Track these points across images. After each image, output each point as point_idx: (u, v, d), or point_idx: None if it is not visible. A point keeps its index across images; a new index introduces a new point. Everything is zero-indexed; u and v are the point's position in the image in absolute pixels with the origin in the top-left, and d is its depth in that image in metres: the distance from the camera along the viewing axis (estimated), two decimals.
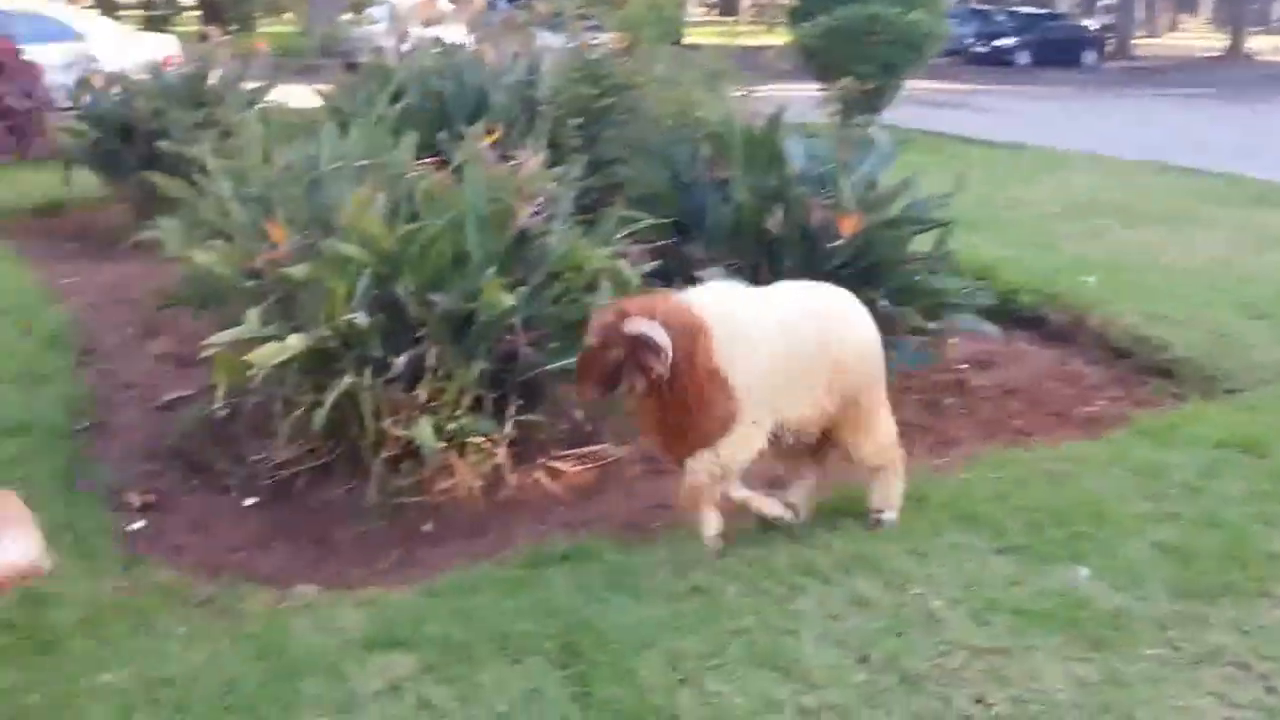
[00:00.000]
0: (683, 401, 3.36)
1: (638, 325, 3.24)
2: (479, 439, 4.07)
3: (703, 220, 4.93)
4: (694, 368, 3.31)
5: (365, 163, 4.25)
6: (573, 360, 3.49)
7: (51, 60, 11.64)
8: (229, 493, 4.20)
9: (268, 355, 3.57)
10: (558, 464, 4.31)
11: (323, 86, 6.85)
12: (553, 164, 4.64)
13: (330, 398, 3.76)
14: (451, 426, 3.94)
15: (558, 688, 2.91)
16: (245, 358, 3.59)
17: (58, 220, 8.87)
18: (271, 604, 3.41)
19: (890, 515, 3.71)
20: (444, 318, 3.84)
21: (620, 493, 4.25)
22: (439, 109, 6.07)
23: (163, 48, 10.60)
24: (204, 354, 3.96)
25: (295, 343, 3.62)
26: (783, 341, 3.45)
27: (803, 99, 8.38)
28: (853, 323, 3.60)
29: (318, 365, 3.94)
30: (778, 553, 3.53)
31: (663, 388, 3.32)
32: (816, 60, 13.12)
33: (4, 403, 4.88)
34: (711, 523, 3.57)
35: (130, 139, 7.64)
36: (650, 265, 4.47)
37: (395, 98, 5.79)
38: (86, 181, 8.83)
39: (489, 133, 4.70)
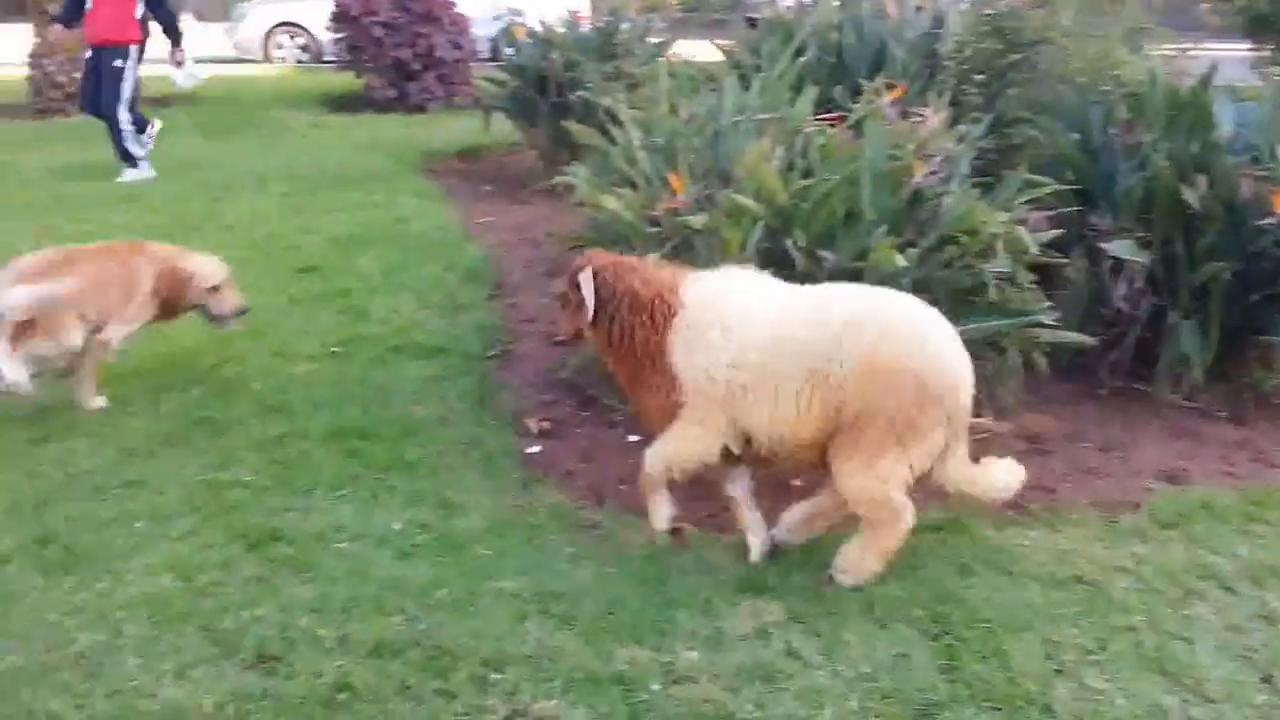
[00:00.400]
0: (625, 373, 3.28)
1: (582, 273, 3.23)
2: None
3: (1112, 188, 4.60)
4: (644, 344, 3.17)
5: (764, 116, 4.30)
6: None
7: (479, 13, 12.71)
8: (615, 428, 4.45)
9: None
10: None
11: (724, 41, 7.00)
12: (953, 123, 4.49)
13: None
14: None
15: (925, 656, 2.88)
16: None
17: (477, 164, 9.65)
18: (651, 536, 3.60)
19: (845, 579, 3.19)
20: (832, 274, 3.83)
21: None
22: (838, 63, 6.03)
23: (575, 2, 11.25)
24: None
25: None
26: (766, 346, 3.11)
27: (1232, 59, 7.56)
28: (877, 344, 3.02)
29: None
30: (1174, 553, 3.28)
31: (615, 353, 3.25)
32: (1258, 17, 11.74)
33: (430, 328, 5.44)
34: (660, 513, 3.40)
35: (545, 89, 8.16)
36: (1051, 234, 4.24)
37: (796, 53, 5.80)
38: (503, 128, 9.58)
39: (889, 88, 4.61)
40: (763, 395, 3.11)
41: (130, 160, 8.99)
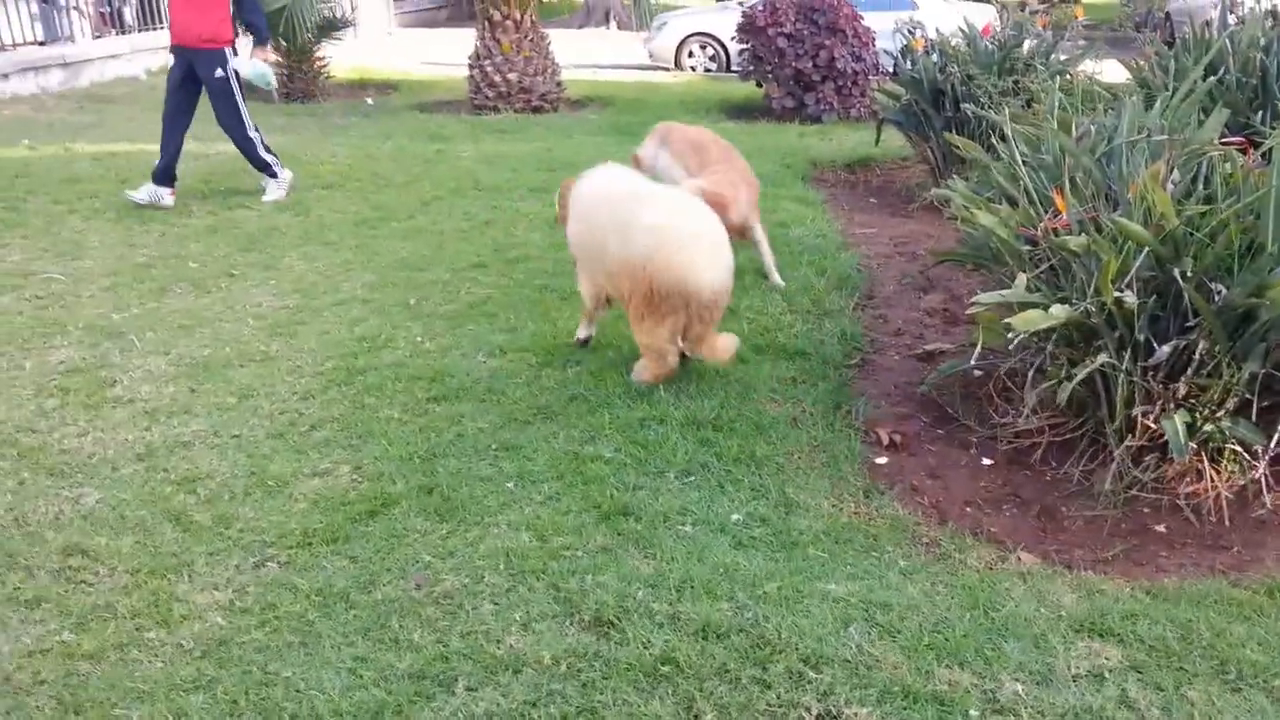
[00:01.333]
0: None
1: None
2: (1237, 447, 3.70)
3: None
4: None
5: (1164, 138, 4.01)
6: None
7: (884, 27, 12.65)
8: (968, 449, 4.33)
9: (1029, 321, 3.57)
10: None
11: (1134, 59, 6.56)
12: None
13: (1081, 373, 3.68)
14: (1208, 428, 3.63)
15: None
16: (1007, 321, 3.64)
17: (864, 175, 9.64)
18: (990, 562, 3.50)
19: (632, 375, 4.82)
20: (1222, 310, 3.52)
21: None
22: (1260, 86, 5.48)
23: (984, 17, 10.93)
24: (969, 312, 4.10)
25: (1058, 313, 3.58)
26: (582, 228, 4.84)
27: None
28: (650, 252, 4.40)
29: (1076, 339, 3.88)
30: None
31: None
32: None
33: (794, 331, 5.54)
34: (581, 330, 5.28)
35: (940, 103, 8.02)
36: None
37: (1210, 71, 5.34)
38: (894, 141, 9.52)
39: None
40: (585, 261, 4.92)
41: (268, 170, 8.31)
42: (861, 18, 12.30)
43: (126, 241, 7.19)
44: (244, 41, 8.29)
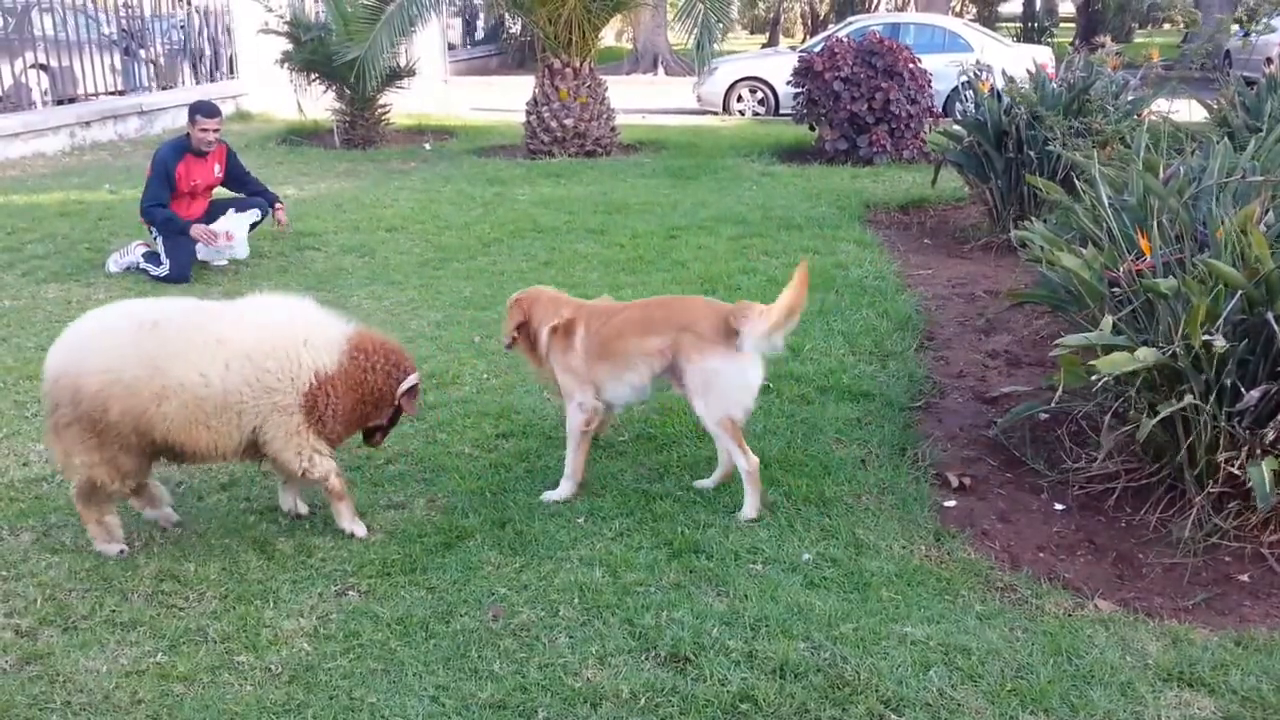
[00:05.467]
0: None
1: None
2: None
3: None
4: None
5: (1259, 179, 3.99)
6: None
7: (939, 68, 12.71)
8: (1039, 493, 4.30)
9: (1115, 363, 3.55)
10: None
11: (1210, 99, 6.53)
12: None
13: (1165, 412, 3.64)
14: None
15: None
16: (1091, 363, 3.62)
17: (919, 217, 9.63)
18: (1068, 609, 3.46)
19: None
20: None
21: None
22: None
23: (1038, 59, 10.93)
24: (1052, 354, 4.08)
25: (1145, 356, 3.55)
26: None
27: None
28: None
29: (1159, 383, 3.84)
30: None
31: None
32: None
33: (857, 372, 5.54)
34: None
35: (1003, 144, 8.02)
36: None
37: None
38: (949, 183, 9.53)
39: None
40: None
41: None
42: (919, 60, 12.36)
43: (203, 281, 7.35)
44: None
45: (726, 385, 3.96)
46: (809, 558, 3.75)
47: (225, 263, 7.69)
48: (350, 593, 3.54)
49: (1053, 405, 4.15)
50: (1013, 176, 7.99)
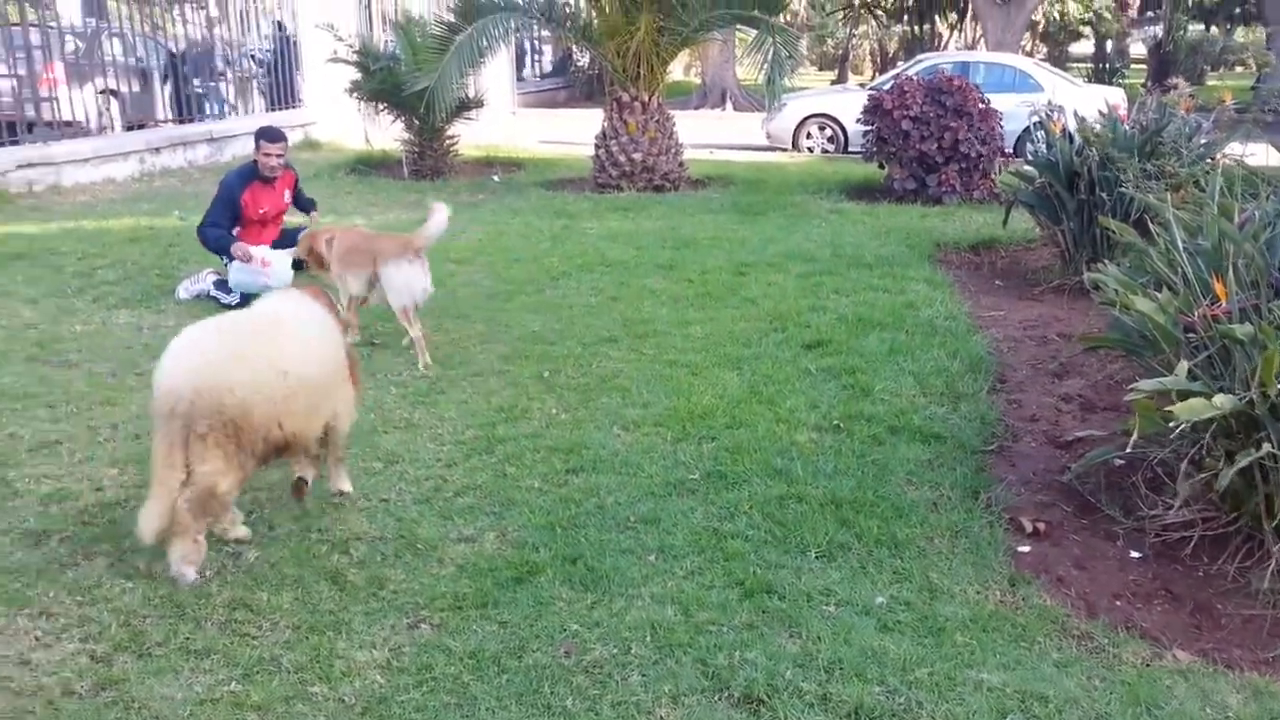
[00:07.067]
0: None
1: None
2: None
3: None
4: None
5: None
6: None
7: (1009, 108, 12.63)
8: (1114, 540, 4.23)
9: (1192, 410, 3.51)
10: None
11: None
12: None
13: (1242, 462, 3.58)
14: None
15: None
16: (1168, 409, 3.57)
17: (989, 257, 9.56)
18: (1146, 659, 3.40)
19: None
20: None
21: None
22: None
23: (1110, 100, 10.81)
24: (1126, 399, 4.03)
25: (1222, 402, 3.51)
26: None
27: None
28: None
29: (1236, 429, 3.78)
30: None
31: None
32: None
33: (928, 413, 5.50)
34: None
35: (1075, 186, 7.94)
36: None
37: None
38: (1020, 224, 9.46)
39: None
40: None
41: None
42: (988, 100, 12.30)
43: None
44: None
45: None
46: (882, 601, 3.73)
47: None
48: (422, 625, 3.57)
49: (1128, 451, 4.09)
50: (1085, 218, 7.91)
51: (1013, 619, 3.64)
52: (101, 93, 14.77)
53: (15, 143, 12.73)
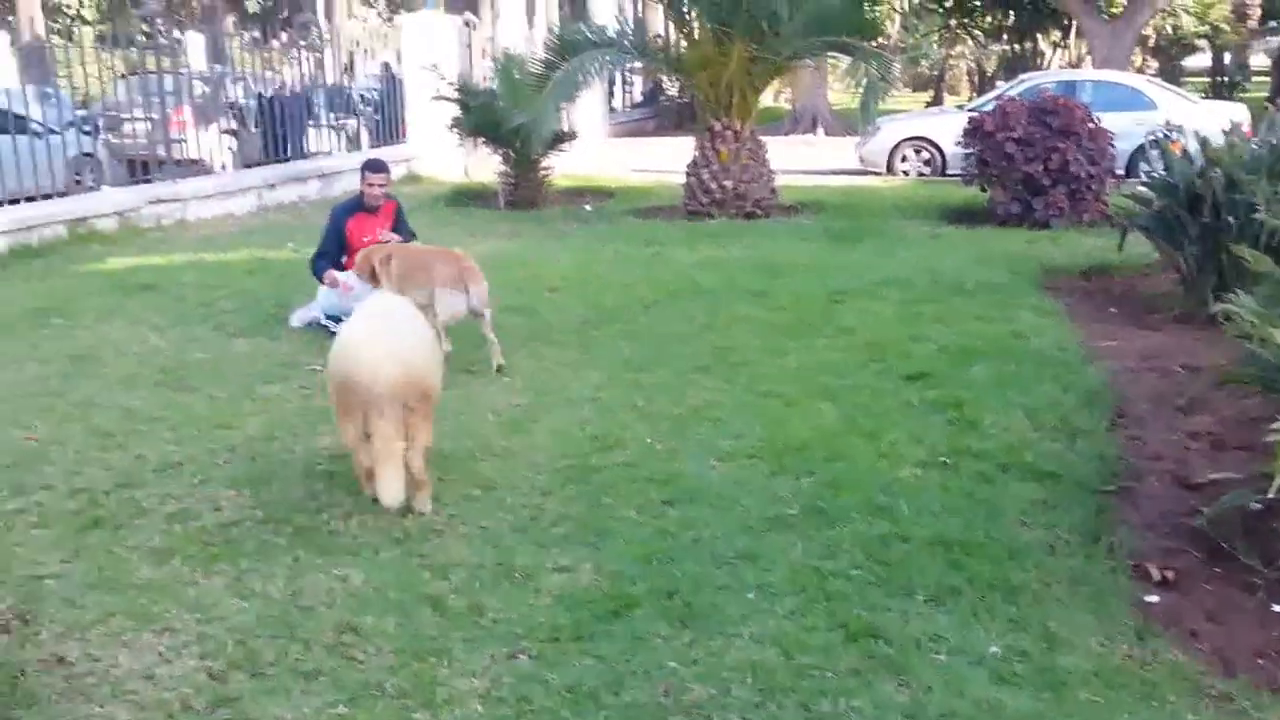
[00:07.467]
0: None
1: None
2: None
3: None
4: None
5: None
6: None
7: (1121, 127, 12.18)
8: (1253, 592, 3.93)
9: None
10: None
11: None
12: None
13: None
14: None
15: None
16: None
17: (1103, 284, 9.19)
18: None
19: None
20: None
21: None
22: None
23: (1234, 116, 10.32)
24: (1267, 439, 3.75)
25: None
26: None
27: None
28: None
29: None
30: None
31: None
32: None
33: (1041, 450, 5.23)
34: None
35: (1197, 209, 7.56)
36: None
37: None
38: (1137, 249, 9.03)
39: None
40: None
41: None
42: (1098, 119, 11.88)
43: None
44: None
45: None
46: (997, 650, 3.50)
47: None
48: (520, 656, 3.49)
49: (1270, 496, 3.80)
50: (1209, 244, 7.51)
51: (1141, 675, 3.39)
52: (224, 132, 15.56)
53: (148, 180, 13.48)
